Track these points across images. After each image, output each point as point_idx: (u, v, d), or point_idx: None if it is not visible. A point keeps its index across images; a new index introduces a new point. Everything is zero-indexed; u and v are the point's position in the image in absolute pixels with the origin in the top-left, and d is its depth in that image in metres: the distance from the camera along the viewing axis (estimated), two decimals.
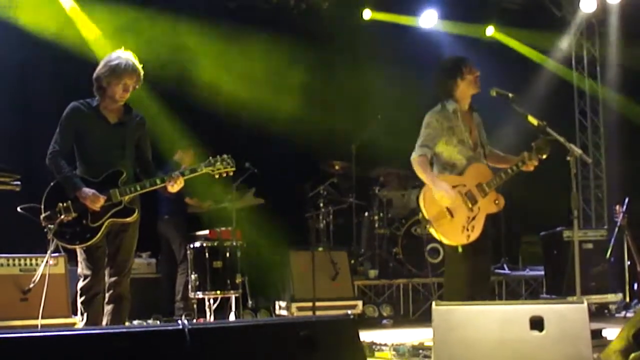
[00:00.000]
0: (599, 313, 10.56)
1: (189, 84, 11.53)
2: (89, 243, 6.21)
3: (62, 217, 6.15)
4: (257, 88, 11.87)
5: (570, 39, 14.15)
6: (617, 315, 10.47)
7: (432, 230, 6.62)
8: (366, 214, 11.85)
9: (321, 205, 11.27)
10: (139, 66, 6.39)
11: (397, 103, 12.47)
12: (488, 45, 13.38)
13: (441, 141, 6.77)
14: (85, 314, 6.25)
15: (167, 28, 11.35)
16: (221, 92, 11.78)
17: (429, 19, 13.24)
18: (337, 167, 11.74)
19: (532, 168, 6.79)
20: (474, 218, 6.60)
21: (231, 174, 6.64)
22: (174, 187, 6.31)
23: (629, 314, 10.15)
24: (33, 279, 7.16)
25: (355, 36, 12.67)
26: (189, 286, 9.33)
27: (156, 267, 10.74)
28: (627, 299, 10.59)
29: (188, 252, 9.43)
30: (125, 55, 6.37)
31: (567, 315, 5.19)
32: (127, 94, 6.36)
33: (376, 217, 11.51)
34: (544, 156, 6.72)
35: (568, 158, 6.39)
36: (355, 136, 11.77)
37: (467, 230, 6.58)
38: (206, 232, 10.29)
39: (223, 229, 10.28)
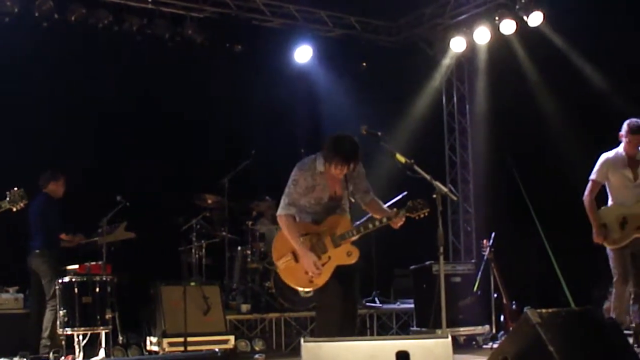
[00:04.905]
0: (466, 345, 10.80)
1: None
2: None
3: None
4: (130, 120, 11.78)
5: (441, 77, 14.54)
6: (484, 346, 10.67)
7: (278, 271, 6.87)
8: (239, 248, 11.79)
9: (193, 239, 11.22)
10: None
11: (272, 137, 12.55)
12: (361, 81, 13.57)
13: (303, 197, 6.88)
14: None
15: None
16: (98, 124, 11.67)
17: (303, 55, 13.33)
18: (209, 201, 11.67)
19: (397, 226, 6.84)
20: (322, 265, 6.70)
21: (24, 206, 7.09)
22: None
23: (495, 345, 10.37)
24: None
25: (230, 70, 12.68)
26: (58, 322, 9.13)
27: (24, 302, 10.42)
28: (494, 331, 10.83)
29: (57, 287, 9.23)
30: None
31: (432, 349, 5.30)
32: None
33: (249, 252, 11.50)
34: (416, 215, 6.80)
35: (434, 196, 6.53)
36: (228, 170, 11.76)
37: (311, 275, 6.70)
38: (76, 266, 10.10)
39: (93, 263, 10.10)
